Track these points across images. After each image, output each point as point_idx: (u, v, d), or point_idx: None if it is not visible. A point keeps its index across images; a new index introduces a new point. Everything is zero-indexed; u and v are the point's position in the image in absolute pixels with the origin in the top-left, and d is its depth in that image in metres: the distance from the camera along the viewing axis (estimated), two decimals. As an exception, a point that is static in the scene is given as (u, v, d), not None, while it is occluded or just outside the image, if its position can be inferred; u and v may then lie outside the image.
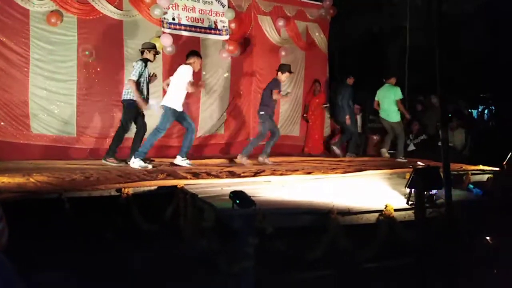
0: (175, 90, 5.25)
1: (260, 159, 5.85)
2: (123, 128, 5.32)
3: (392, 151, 7.21)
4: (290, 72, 6.07)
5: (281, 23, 7.53)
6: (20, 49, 5.54)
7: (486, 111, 9.95)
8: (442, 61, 3.71)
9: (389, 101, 6.67)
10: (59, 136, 5.79)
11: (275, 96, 5.87)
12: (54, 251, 3.15)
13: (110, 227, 3.35)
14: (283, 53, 7.65)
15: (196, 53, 5.47)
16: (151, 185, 3.89)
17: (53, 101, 5.77)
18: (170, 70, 6.29)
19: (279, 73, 6.00)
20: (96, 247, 3.26)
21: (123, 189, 3.62)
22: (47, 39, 5.70)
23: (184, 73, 5.22)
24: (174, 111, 5.24)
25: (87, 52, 5.94)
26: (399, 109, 6.67)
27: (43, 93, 5.71)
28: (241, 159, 5.70)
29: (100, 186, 3.73)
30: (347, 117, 7.14)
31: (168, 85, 5.44)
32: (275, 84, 5.96)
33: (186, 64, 5.29)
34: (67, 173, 4.33)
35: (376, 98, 6.91)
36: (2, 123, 5.45)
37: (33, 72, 5.62)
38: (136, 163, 5.02)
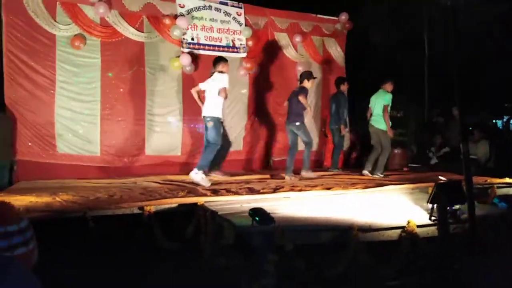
0: (213, 100, 5.33)
1: (303, 173, 5.94)
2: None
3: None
4: (314, 77, 6.15)
5: (297, 39, 7.61)
6: (46, 72, 5.78)
7: (511, 121, 9.68)
8: (461, 72, 3.68)
9: (379, 107, 6.30)
10: (84, 155, 5.96)
11: (302, 100, 5.86)
12: (80, 268, 3.23)
13: (133, 244, 3.41)
14: (300, 68, 7.69)
15: (222, 59, 5.59)
16: (172, 202, 3.95)
17: (77, 121, 5.96)
18: (189, 89, 6.43)
19: (305, 80, 6.05)
20: (119, 264, 3.32)
21: (145, 207, 3.70)
22: (72, 62, 5.94)
23: (220, 81, 5.29)
24: (218, 119, 5.34)
25: (110, 74, 6.15)
26: (383, 117, 6.18)
27: (68, 114, 5.92)
28: (306, 174, 5.92)
29: (123, 204, 3.82)
30: (342, 127, 6.86)
31: (198, 97, 5.63)
32: (302, 90, 6.00)
33: (218, 72, 5.39)
34: (91, 192, 4.45)
35: (370, 105, 6.49)
36: (29, 144, 5.66)
37: (58, 93, 5.85)
38: (198, 175, 5.08)
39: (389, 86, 6.40)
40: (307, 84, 6.04)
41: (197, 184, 5.08)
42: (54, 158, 5.77)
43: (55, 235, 3.21)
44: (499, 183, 5.08)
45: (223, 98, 5.31)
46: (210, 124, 5.28)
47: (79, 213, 3.52)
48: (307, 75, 6.10)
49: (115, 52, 6.20)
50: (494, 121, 9.31)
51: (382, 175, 6.12)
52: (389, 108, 6.26)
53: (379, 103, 6.31)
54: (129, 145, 6.24)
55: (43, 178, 5.36)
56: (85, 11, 5.98)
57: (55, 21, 5.80)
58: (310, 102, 7.29)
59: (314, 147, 7.76)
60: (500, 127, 9.70)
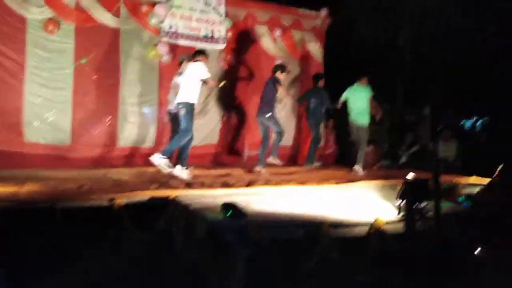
0: (187, 87, 5.24)
1: (270, 159, 6.02)
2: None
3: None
4: (287, 71, 6.20)
5: (277, 33, 7.59)
6: (15, 56, 5.54)
7: (479, 122, 10.04)
8: (433, 73, 3.78)
9: (363, 101, 6.41)
10: (54, 145, 5.77)
11: (279, 89, 5.98)
12: (45, 261, 3.16)
13: (101, 237, 3.35)
14: (278, 63, 7.71)
15: (202, 52, 5.50)
16: (144, 195, 3.90)
17: (48, 109, 5.76)
18: (166, 79, 6.34)
19: (279, 72, 6.10)
20: (85, 257, 3.26)
21: (115, 199, 3.63)
22: (43, 47, 5.71)
23: (195, 70, 5.24)
24: (192, 105, 5.22)
25: (84, 60, 5.97)
26: (371, 109, 6.37)
27: (38, 101, 5.71)
28: (273, 160, 6.05)
29: (92, 196, 3.75)
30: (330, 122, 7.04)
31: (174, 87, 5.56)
32: (276, 80, 6.03)
33: (194, 61, 5.34)
34: (60, 183, 4.34)
35: (342, 99, 6.57)
36: (-4, 131, 5.45)
37: (28, 79, 5.63)
38: (162, 160, 4.96)
39: (365, 81, 6.57)
40: (280, 76, 6.08)
41: (171, 176, 5.04)
42: (21, 146, 5.56)
43: (20, 225, 3.12)
44: (466, 182, 5.28)
45: (214, 87, 5.30)
46: (182, 111, 5.15)
47: (46, 204, 3.42)
48: (281, 67, 6.17)
49: (90, 38, 6.01)
50: (462, 121, 9.63)
51: (362, 171, 6.20)
52: None
53: (363, 97, 6.43)
54: (101, 135, 6.09)
55: (10, 167, 5.16)
56: (59, -6, 5.76)
57: (26, 2, 5.55)
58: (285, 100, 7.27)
59: (290, 141, 7.84)
60: (469, 128, 10.05)
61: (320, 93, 6.99)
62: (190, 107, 5.19)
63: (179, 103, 5.22)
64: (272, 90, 5.96)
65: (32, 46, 5.64)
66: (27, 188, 3.97)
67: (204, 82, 5.29)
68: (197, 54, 5.44)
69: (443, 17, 8.19)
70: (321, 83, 7.08)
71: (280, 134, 6.11)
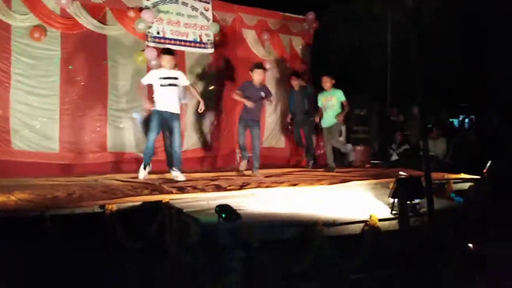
0: (177, 94, 5.33)
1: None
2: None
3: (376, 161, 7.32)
4: (259, 68, 5.77)
5: (265, 36, 7.62)
6: (0, 64, 5.46)
7: (466, 120, 10.20)
8: (422, 73, 3.82)
9: (338, 105, 6.46)
10: (41, 152, 5.67)
11: (234, 96, 5.91)
12: (37, 269, 3.09)
13: (94, 244, 3.30)
14: (267, 66, 7.73)
15: (163, 51, 5.38)
16: (136, 200, 3.85)
17: (35, 117, 5.67)
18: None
19: (250, 72, 5.83)
20: (79, 265, 3.21)
21: (106, 206, 3.57)
22: (29, 54, 5.63)
23: (183, 78, 5.33)
24: (153, 111, 5.20)
25: (70, 67, 5.90)
26: (342, 111, 6.42)
27: (25, 108, 5.62)
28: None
29: (83, 203, 3.68)
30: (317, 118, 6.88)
31: None
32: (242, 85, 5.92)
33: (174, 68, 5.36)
34: (49, 190, 4.26)
35: (324, 103, 6.54)
36: (-18, 140, 5.34)
37: (14, 87, 5.54)
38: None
39: (327, 83, 6.55)
40: (252, 76, 5.80)
41: (163, 180, 5.06)
42: (9, 155, 5.45)
43: (10, 235, 3.06)
44: (455, 179, 5.33)
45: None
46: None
47: (36, 213, 3.36)
48: (251, 67, 5.84)
49: (76, 45, 5.95)
50: (450, 120, 9.77)
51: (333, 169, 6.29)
52: None
53: (334, 101, 6.45)
54: (90, 141, 6.02)
55: (-3, 176, 5.07)
56: (44, 1, 5.67)
57: (10, 10, 5.48)
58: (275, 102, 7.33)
59: (283, 143, 7.86)
60: (457, 126, 10.20)
61: (310, 92, 7.03)
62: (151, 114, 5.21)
63: (177, 114, 5.27)
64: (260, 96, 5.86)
65: (18, 54, 5.57)
66: (16, 197, 3.88)
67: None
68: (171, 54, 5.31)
69: (427, 18, 8.31)
70: (293, 82, 7.10)
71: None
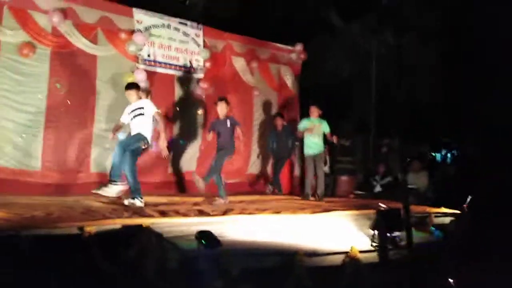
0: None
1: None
2: None
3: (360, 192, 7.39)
4: (220, 101, 5.89)
5: (254, 64, 7.79)
6: (-13, 79, 5.43)
7: (448, 155, 10.43)
8: (403, 106, 3.93)
9: (321, 135, 6.70)
10: (23, 170, 5.56)
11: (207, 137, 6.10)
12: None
13: (70, 267, 3.21)
14: (256, 93, 7.88)
15: (133, 85, 5.40)
16: (115, 223, 3.78)
17: (19, 133, 5.59)
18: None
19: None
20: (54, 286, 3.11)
21: (85, 227, 3.50)
22: (17, 70, 5.60)
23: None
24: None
25: (58, 85, 5.89)
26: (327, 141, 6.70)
27: (10, 125, 5.53)
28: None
29: (61, 224, 3.60)
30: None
31: None
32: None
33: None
34: (27, 210, 4.15)
35: (302, 129, 6.73)
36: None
37: (0, 103, 5.48)
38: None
39: (315, 112, 6.78)
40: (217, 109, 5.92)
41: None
42: (-14, 171, 5.34)
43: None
44: (436, 213, 5.40)
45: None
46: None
47: (11, 232, 3.26)
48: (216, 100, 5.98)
49: (66, 63, 5.96)
50: (433, 154, 9.98)
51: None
52: None
53: (321, 130, 6.66)
54: (73, 160, 5.94)
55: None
56: (36, 18, 5.71)
57: (0, 25, 5.49)
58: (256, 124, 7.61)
59: (269, 169, 7.89)
60: (439, 160, 10.41)
61: (277, 133, 7.39)
62: None
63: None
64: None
65: (5, 69, 5.54)
66: (-9, 215, 3.77)
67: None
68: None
69: (408, 52, 8.62)
70: (280, 122, 7.41)
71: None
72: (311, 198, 6.65)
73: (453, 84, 9.15)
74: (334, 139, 6.74)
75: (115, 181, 4.96)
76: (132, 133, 5.22)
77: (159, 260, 3.34)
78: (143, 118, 5.15)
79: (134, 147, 5.05)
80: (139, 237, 3.53)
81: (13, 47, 5.59)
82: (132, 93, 5.28)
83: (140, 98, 5.37)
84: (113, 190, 4.95)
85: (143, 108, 5.18)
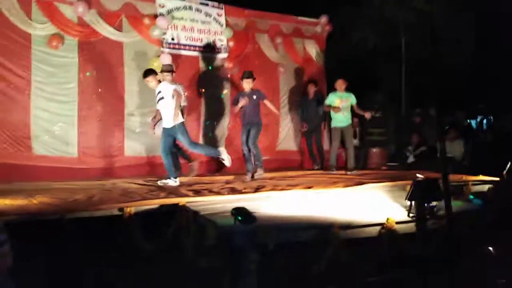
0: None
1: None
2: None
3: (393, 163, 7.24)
4: (248, 77, 5.81)
5: (278, 40, 7.66)
6: (21, 72, 5.61)
7: (484, 121, 10.01)
8: (437, 74, 3.78)
9: (349, 107, 6.54)
10: (61, 157, 5.81)
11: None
12: (56, 273, 3.16)
13: (113, 246, 3.36)
14: (281, 69, 7.77)
15: (148, 72, 5.47)
16: (153, 203, 3.90)
17: (54, 122, 5.81)
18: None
19: (241, 81, 5.93)
20: (97, 268, 3.26)
21: (125, 208, 3.64)
22: (48, 62, 5.79)
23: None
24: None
25: (88, 74, 6.04)
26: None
27: (45, 115, 5.76)
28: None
29: (102, 206, 3.75)
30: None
31: None
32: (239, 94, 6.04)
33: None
34: (69, 194, 4.35)
35: (329, 104, 6.57)
36: (4, 145, 5.49)
37: (34, 94, 5.69)
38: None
39: (341, 85, 6.59)
40: (242, 85, 5.89)
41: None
42: (30, 159, 5.60)
43: (31, 238, 3.13)
44: (474, 181, 5.24)
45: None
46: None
47: (56, 216, 3.44)
48: (241, 76, 5.91)
49: (93, 52, 6.09)
50: (468, 121, 9.61)
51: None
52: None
53: (350, 103, 6.52)
54: (108, 146, 6.13)
55: (19, 180, 5.19)
56: (62, 9, 5.84)
57: (30, 19, 5.65)
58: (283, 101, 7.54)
59: (297, 146, 7.83)
60: (474, 127, 10.02)
61: (308, 101, 7.24)
62: None
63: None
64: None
65: (37, 62, 5.72)
66: (37, 201, 3.98)
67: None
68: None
69: (439, 21, 8.24)
70: (313, 90, 7.27)
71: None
72: (339, 172, 6.54)
73: (488, 49, 8.71)
74: (367, 115, 6.56)
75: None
76: (163, 118, 5.28)
77: (196, 237, 3.44)
78: (164, 101, 5.24)
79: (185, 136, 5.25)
80: (177, 215, 3.63)
81: (42, 39, 5.75)
82: (149, 80, 5.40)
83: (159, 81, 5.42)
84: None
85: (160, 92, 5.27)
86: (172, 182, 5.12)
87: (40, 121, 5.73)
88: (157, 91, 5.30)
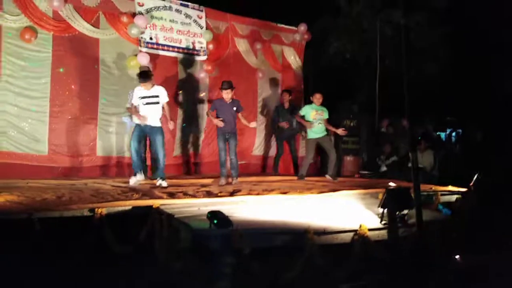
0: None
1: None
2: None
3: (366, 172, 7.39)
4: (224, 88, 5.74)
5: (258, 46, 7.70)
6: (-10, 65, 5.40)
7: (453, 133, 10.39)
8: (410, 86, 3.89)
9: (323, 120, 6.51)
10: (30, 154, 5.60)
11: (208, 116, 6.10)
12: (21, 274, 3.03)
13: (83, 248, 3.25)
14: (260, 75, 7.81)
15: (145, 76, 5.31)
16: (126, 205, 3.81)
17: (24, 118, 5.61)
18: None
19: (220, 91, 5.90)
20: (66, 270, 3.15)
21: (96, 209, 3.53)
22: (19, 55, 5.59)
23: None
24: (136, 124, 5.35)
25: (61, 69, 5.86)
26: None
27: (14, 110, 5.55)
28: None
29: (72, 206, 3.63)
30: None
31: None
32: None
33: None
34: (38, 193, 4.19)
35: (303, 116, 6.47)
36: (-31, 141, 5.25)
37: (3, 88, 5.48)
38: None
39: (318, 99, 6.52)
40: (222, 95, 5.83)
41: (152, 186, 5.02)
42: (-4, 156, 5.38)
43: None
44: (443, 191, 5.41)
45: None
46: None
47: (24, 215, 3.30)
48: (220, 86, 5.84)
49: (68, 48, 5.93)
50: (438, 133, 9.94)
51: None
52: None
53: (325, 116, 6.53)
54: (80, 144, 5.97)
55: (-16, 177, 4.97)
56: (36, 2, 5.66)
57: (1, 11, 5.44)
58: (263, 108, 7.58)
59: (273, 151, 7.85)
60: (444, 139, 10.38)
61: (282, 110, 7.30)
62: None
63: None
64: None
65: (8, 55, 5.51)
66: (4, 198, 3.81)
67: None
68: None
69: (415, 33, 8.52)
70: (287, 98, 7.33)
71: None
72: (313, 178, 6.59)
73: (458, 64, 9.07)
74: (339, 131, 6.57)
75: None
76: (149, 120, 5.22)
77: (170, 240, 3.38)
78: (157, 106, 5.25)
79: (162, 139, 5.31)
80: (150, 218, 3.56)
81: (14, 31, 5.54)
82: (149, 82, 5.26)
83: (153, 85, 5.35)
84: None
85: (158, 97, 5.24)
86: (139, 176, 5.19)
87: (8, 117, 5.52)
88: (150, 93, 5.22)
